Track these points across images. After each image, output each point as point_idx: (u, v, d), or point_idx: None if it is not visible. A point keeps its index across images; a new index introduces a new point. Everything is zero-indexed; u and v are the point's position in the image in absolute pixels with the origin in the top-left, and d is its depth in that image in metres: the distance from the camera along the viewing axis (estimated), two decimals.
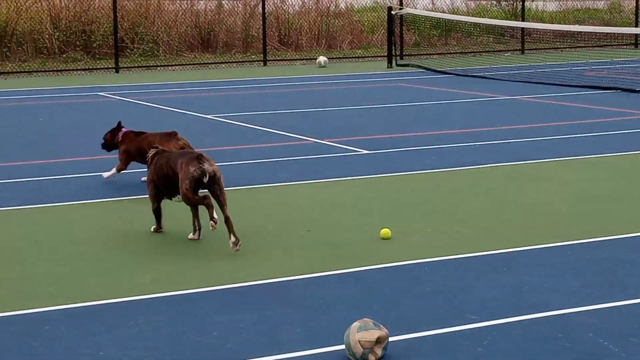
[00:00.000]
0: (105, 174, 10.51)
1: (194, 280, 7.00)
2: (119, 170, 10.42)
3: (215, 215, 7.82)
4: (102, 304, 6.51)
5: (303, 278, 7.04)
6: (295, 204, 9.50)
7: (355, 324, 5.53)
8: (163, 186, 8.23)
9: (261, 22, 26.41)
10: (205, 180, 7.78)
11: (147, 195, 8.42)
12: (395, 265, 7.32)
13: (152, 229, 8.42)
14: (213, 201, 7.85)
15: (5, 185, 10.40)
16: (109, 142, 10.65)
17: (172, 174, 8.03)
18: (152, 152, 8.50)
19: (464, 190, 10.08)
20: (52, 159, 11.90)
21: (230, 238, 7.72)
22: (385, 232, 8.06)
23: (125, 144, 10.37)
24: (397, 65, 24.50)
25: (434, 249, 7.74)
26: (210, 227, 7.80)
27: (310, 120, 15.28)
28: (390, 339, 5.54)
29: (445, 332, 5.88)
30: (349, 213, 9.14)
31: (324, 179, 10.62)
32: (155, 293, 6.74)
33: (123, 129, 10.55)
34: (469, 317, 6.11)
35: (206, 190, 7.88)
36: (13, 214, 9.16)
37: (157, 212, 8.37)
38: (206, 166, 7.79)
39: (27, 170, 11.19)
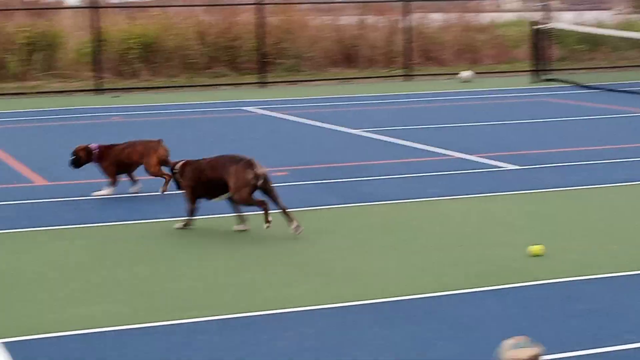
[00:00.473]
0: (99, 193, 10.53)
1: (346, 294, 7.01)
2: (113, 185, 10.55)
3: (270, 218, 8.60)
4: (254, 316, 6.58)
5: (456, 294, 6.98)
6: (445, 219, 9.44)
7: (508, 342, 5.44)
8: (205, 190, 8.91)
9: (404, 37, 26.41)
10: (260, 183, 8.55)
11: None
12: (550, 283, 7.19)
13: (179, 226, 9.00)
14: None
15: (151, 198, 10.60)
16: (83, 159, 10.75)
17: (218, 178, 8.71)
18: (180, 163, 9.14)
19: (617, 207, 9.86)
20: None
21: (292, 225, 8.58)
22: (537, 248, 7.93)
23: (108, 159, 10.53)
24: (543, 80, 24.16)
25: (589, 267, 7.58)
26: (266, 227, 8.60)
27: (455, 135, 15.18)
28: (544, 358, 5.44)
29: (600, 352, 5.74)
30: (501, 228, 9.04)
31: (473, 194, 10.53)
32: (306, 306, 6.78)
33: (93, 145, 10.69)
34: (626, 338, 5.96)
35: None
36: (162, 226, 9.33)
37: (193, 212, 9.00)
38: (260, 171, 8.56)
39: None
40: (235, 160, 8.74)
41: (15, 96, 22.52)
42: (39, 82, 24.05)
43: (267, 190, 8.66)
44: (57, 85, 23.90)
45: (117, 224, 9.40)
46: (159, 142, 10.57)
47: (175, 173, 9.25)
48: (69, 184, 11.37)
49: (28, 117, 18.52)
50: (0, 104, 21.13)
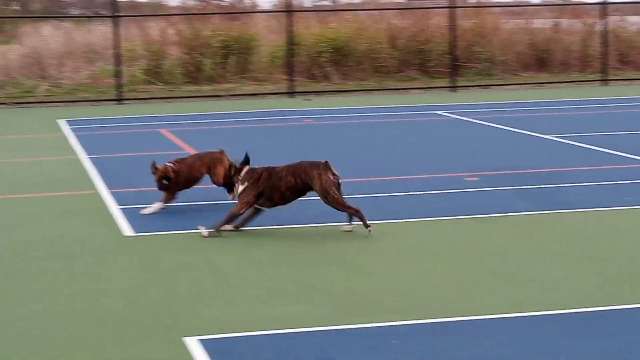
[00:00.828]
0: (149, 210, 10.07)
1: (538, 304, 6.86)
2: (169, 202, 10.24)
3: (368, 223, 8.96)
4: (447, 322, 6.51)
5: None
6: None
7: None
8: (280, 196, 9.11)
9: (600, 41, 25.76)
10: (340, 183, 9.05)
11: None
12: None
13: (207, 232, 8.96)
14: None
15: (351, 200, 10.64)
16: (173, 180, 10.17)
17: (302, 184, 9.03)
18: (246, 169, 9.24)
19: None
20: (390, 177, 12.08)
21: (367, 227, 8.91)
22: None
23: (182, 175, 10.22)
24: None
25: None
26: (369, 232, 8.90)
27: None
28: None
29: None
30: None
31: None
32: (499, 314, 6.67)
33: (172, 165, 10.22)
34: None
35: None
36: (358, 229, 9.35)
37: (239, 216, 9.15)
38: (337, 172, 9.04)
39: (368, 186, 11.42)
40: (314, 165, 9.07)
41: (210, 98, 23.10)
42: (233, 85, 24.60)
43: (340, 192, 9.07)
44: (250, 88, 24.39)
45: (307, 226, 9.48)
46: (222, 152, 10.47)
47: (235, 177, 9.29)
48: None
49: (223, 120, 18.95)
50: (196, 106, 21.71)
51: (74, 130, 17.29)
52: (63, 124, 18.24)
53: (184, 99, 23.01)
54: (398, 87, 24.54)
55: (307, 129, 17.26)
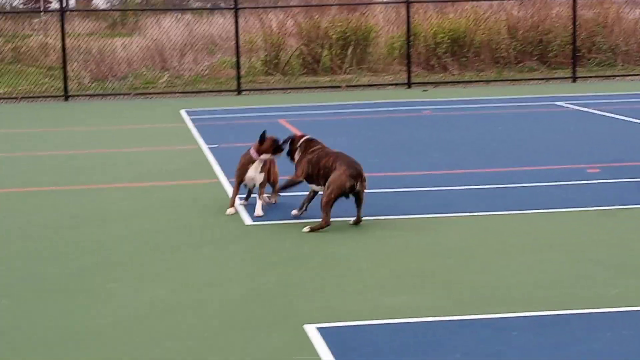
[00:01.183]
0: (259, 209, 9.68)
1: None
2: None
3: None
4: (567, 314, 6.44)
5: None
6: None
7: None
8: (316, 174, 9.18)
9: None
10: (353, 192, 8.96)
11: None
12: None
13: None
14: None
15: (469, 192, 10.60)
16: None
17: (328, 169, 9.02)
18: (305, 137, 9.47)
19: None
20: (511, 167, 11.96)
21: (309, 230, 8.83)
22: None
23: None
24: None
25: None
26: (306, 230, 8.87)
27: None
28: None
29: None
30: None
31: None
32: (622, 307, 6.57)
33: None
34: None
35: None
36: (471, 220, 9.30)
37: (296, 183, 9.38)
38: (359, 186, 8.93)
39: (490, 177, 11.34)
40: (350, 162, 8.95)
41: (328, 89, 23.19)
42: (351, 76, 24.65)
43: (358, 196, 8.94)
44: (368, 79, 24.41)
45: (424, 216, 9.46)
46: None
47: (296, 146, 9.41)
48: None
49: (340, 110, 19.00)
50: (313, 96, 21.82)
51: (194, 120, 17.56)
52: (184, 114, 18.54)
53: (302, 90, 23.16)
54: (517, 78, 24.25)
55: (424, 119, 17.19)
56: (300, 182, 9.32)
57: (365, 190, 8.98)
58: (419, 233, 8.82)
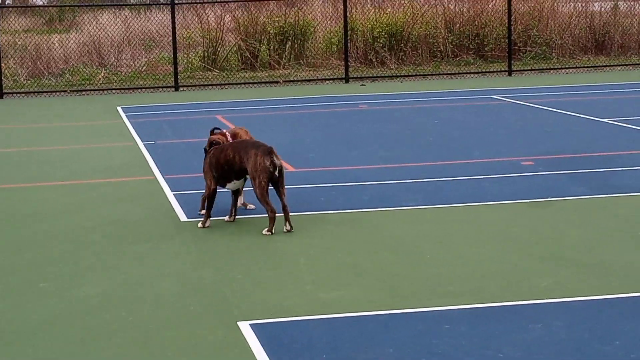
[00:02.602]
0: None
1: (595, 287, 6.82)
2: None
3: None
4: (500, 306, 6.50)
5: None
6: None
7: None
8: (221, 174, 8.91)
9: None
10: (276, 173, 8.66)
11: None
12: None
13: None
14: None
15: (405, 185, 10.66)
16: None
17: (238, 161, 8.75)
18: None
19: None
20: (446, 161, 12.04)
21: (286, 227, 8.63)
22: None
23: None
24: None
25: None
26: (267, 233, 8.62)
27: None
28: None
29: None
30: None
31: None
32: (553, 298, 6.64)
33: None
34: None
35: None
36: (408, 214, 9.36)
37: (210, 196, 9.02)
38: (277, 161, 8.60)
39: (426, 170, 11.41)
40: (256, 145, 8.70)
41: (266, 85, 23.17)
42: (289, 71, 24.64)
43: (278, 183, 8.63)
44: (306, 74, 24.42)
45: (361, 211, 9.49)
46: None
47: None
48: (317, 170, 11.59)
49: (278, 105, 18.99)
50: (252, 92, 21.79)
51: (130, 117, 17.45)
52: (120, 111, 18.41)
53: (240, 86, 23.11)
54: (454, 72, 24.43)
55: (362, 114, 17.24)
56: (214, 191, 8.97)
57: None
58: (356, 228, 8.84)
